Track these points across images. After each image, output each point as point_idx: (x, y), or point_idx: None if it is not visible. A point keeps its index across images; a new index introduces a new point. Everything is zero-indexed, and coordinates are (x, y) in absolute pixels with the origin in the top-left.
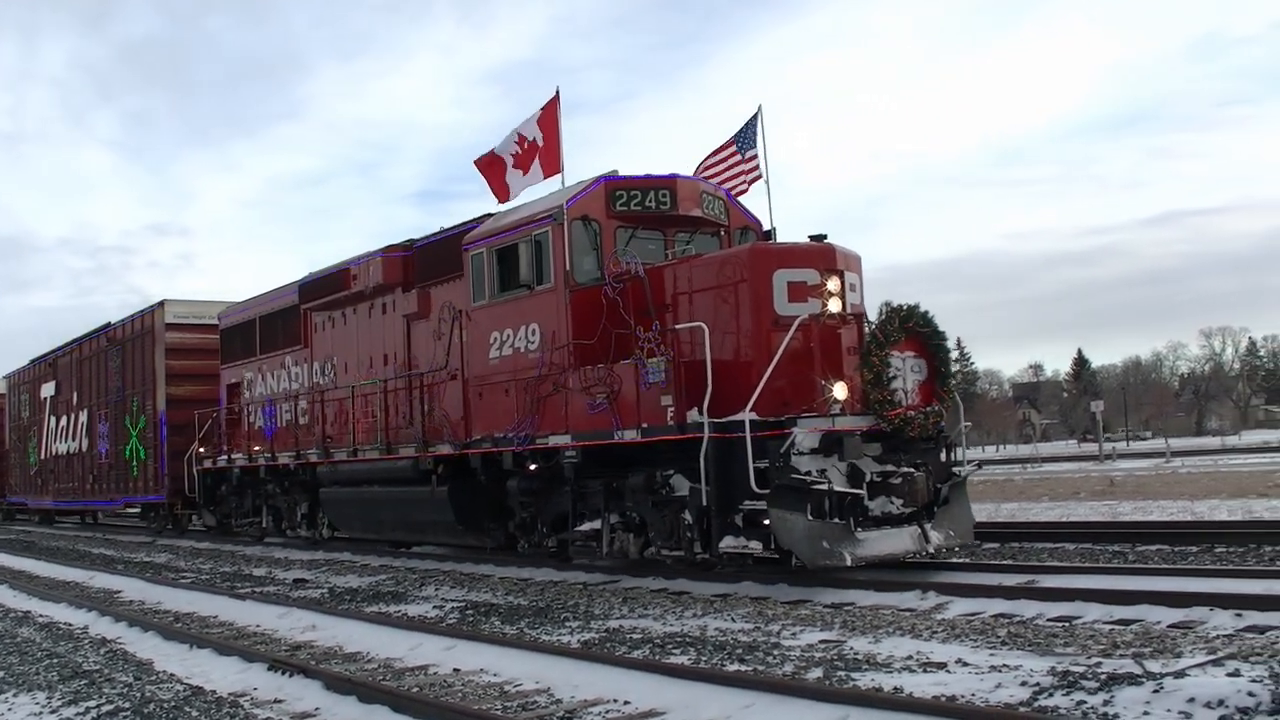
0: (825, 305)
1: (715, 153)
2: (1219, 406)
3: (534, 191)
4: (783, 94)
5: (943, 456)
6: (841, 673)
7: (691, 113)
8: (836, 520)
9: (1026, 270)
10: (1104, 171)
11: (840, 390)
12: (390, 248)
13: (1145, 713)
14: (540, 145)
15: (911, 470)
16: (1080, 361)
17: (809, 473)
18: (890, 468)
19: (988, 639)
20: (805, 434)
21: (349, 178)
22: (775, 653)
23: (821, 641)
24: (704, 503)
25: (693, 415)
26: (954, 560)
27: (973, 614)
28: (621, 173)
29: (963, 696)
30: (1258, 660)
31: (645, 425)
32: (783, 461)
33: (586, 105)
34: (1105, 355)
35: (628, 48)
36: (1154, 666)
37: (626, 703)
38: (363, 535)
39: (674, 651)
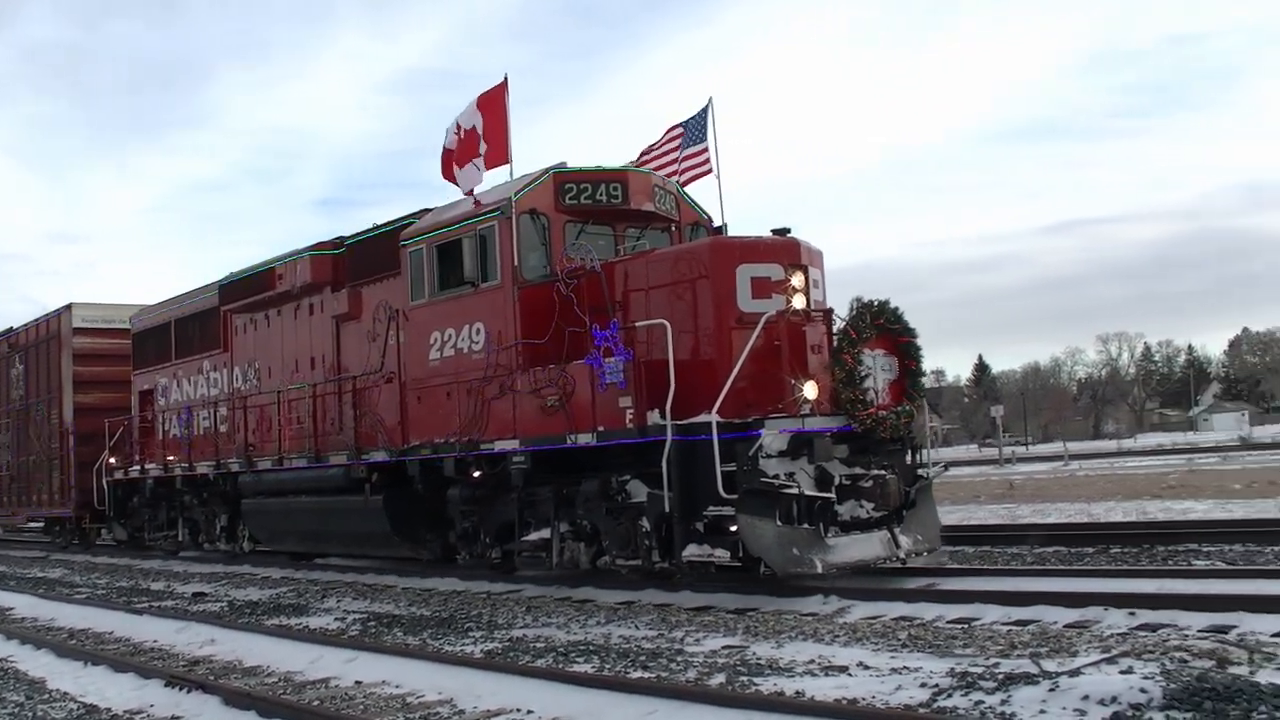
0: (790, 302)
1: (659, 144)
2: (1115, 410)
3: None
4: (689, 100)
5: (908, 458)
6: (744, 678)
7: (604, 113)
8: (806, 526)
9: (927, 277)
10: (1004, 180)
11: (811, 390)
12: (319, 245)
13: (1041, 711)
14: (480, 134)
15: (882, 473)
16: (980, 367)
17: (777, 476)
18: (859, 470)
19: (888, 642)
20: (774, 436)
21: (252, 185)
22: (679, 659)
23: (725, 647)
24: (666, 509)
25: (653, 418)
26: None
27: (874, 617)
28: (570, 164)
29: (863, 699)
30: (1150, 658)
31: (601, 429)
32: (750, 465)
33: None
34: (1005, 361)
35: (534, 55)
36: (1050, 666)
37: (530, 712)
38: (288, 548)
39: (578, 660)
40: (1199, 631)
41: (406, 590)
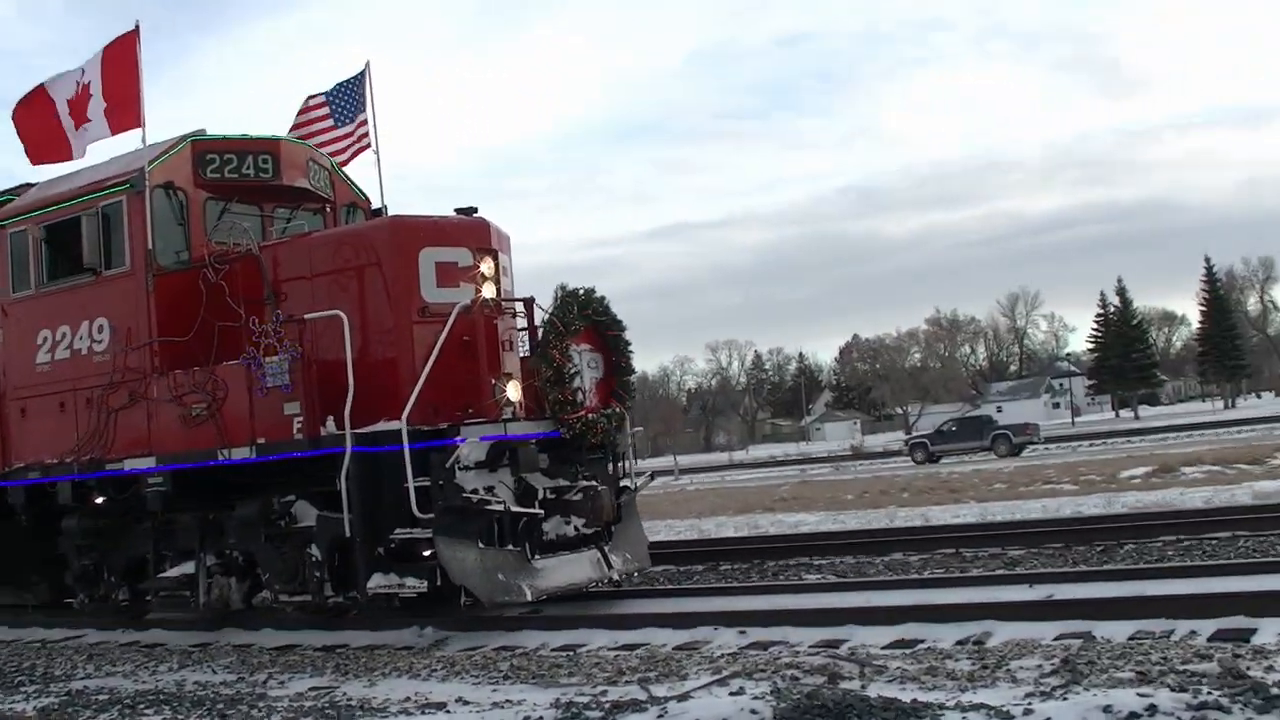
0: (480, 291)
1: (304, 111)
2: (727, 421)
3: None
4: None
5: (610, 468)
6: None
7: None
8: (511, 547)
9: (531, 285)
10: (609, 183)
11: (514, 390)
12: None
13: None
14: (98, 92)
15: (594, 484)
16: None
17: (475, 491)
18: (563, 482)
19: (489, 674)
20: (473, 445)
21: None
22: (261, 705)
23: (312, 689)
24: (346, 533)
25: (328, 427)
26: None
27: (474, 648)
28: (210, 131)
29: None
30: (761, 676)
31: (262, 441)
32: (447, 479)
33: None
34: None
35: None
36: (660, 691)
37: None
38: None
39: (146, 712)
40: (810, 647)
41: None
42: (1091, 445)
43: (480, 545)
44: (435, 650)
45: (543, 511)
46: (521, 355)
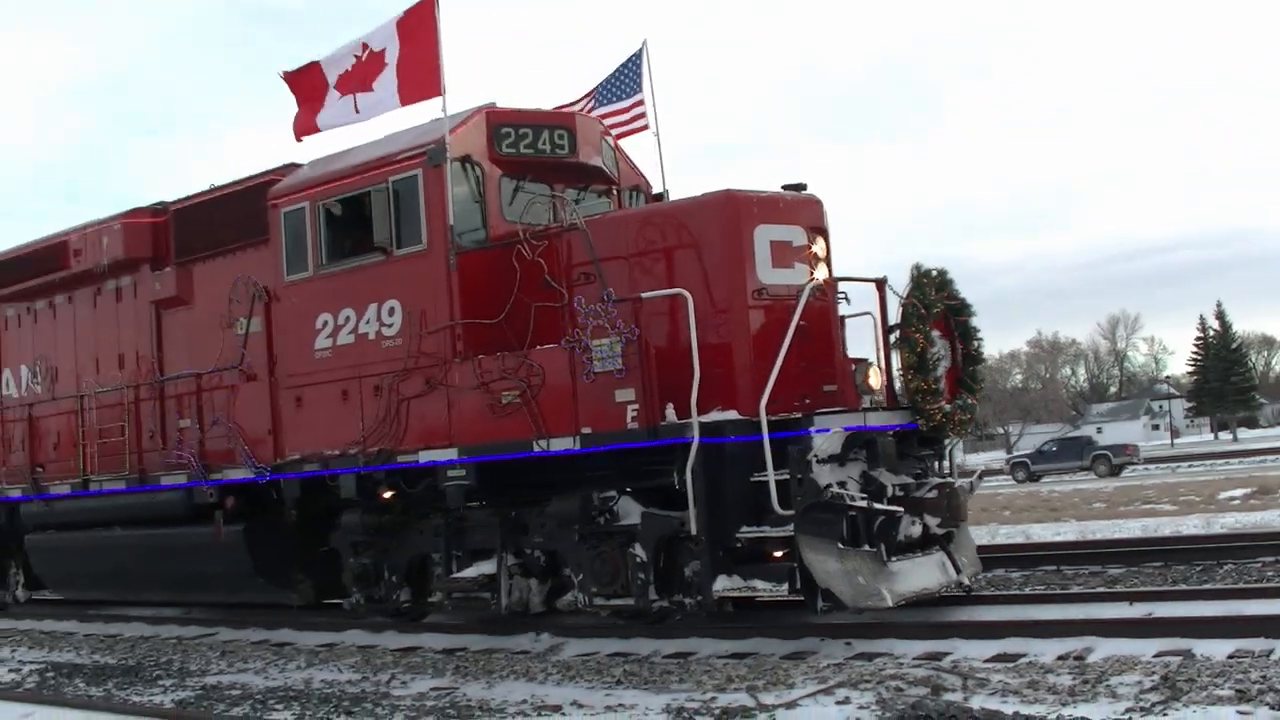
0: (813, 273)
1: (585, 98)
2: None
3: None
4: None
5: (940, 464)
6: None
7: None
8: (868, 548)
9: None
10: None
11: (876, 378)
12: (134, 211)
13: None
14: (392, 62)
15: (950, 480)
16: None
17: (829, 487)
18: (906, 479)
19: (603, 678)
20: (830, 436)
21: None
22: (385, 703)
23: (434, 689)
24: (689, 531)
25: (669, 415)
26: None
27: (588, 654)
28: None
29: None
30: (866, 687)
31: (587, 430)
32: (804, 473)
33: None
34: None
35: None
36: (767, 699)
37: None
38: (92, 595)
39: (276, 707)
40: (914, 659)
41: (89, 637)
42: (1190, 466)
43: (840, 546)
44: (551, 655)
45: (903, 510)
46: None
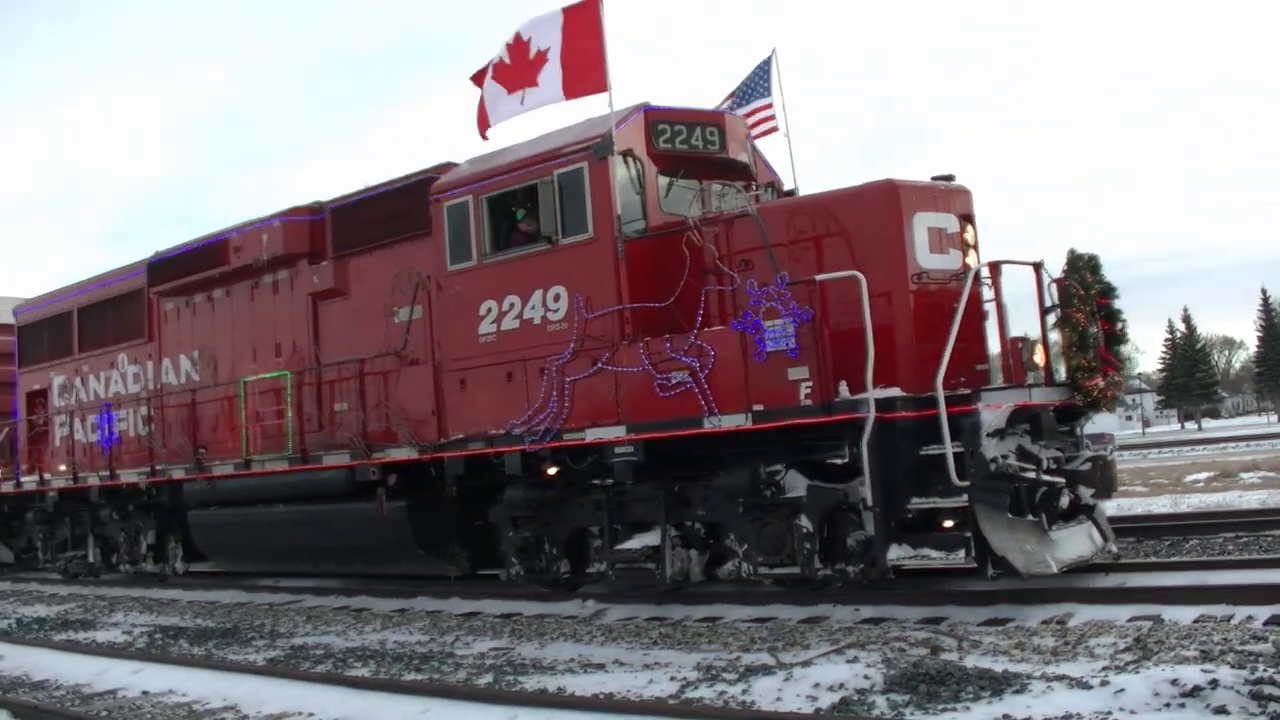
0: (965, 260)
1: (727, 99)
2: None
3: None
4: None
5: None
6: (510, 677)
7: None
8: (1030, 518)
9: None
10: None
11: (1040, 355)
12: (293, 210)
13: (778, 698)
14: (555, 57)
15: (1103, 453)
16: None
17: (996, 459)
18: (1056, 451)
19: (641, 640)
20: (997, 410)
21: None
22: (450, 661)
23: (492, 649)
24: (868, 503)
25: (841, 392)
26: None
27: (628, 619)
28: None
29: (619, 693)
30: (873, 648)
31: (759, 407)
32: (975, 446)
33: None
34: None
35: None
36: (786, 658)
37: (311, 715)
38: (253, 566)
39: (355, 665)
40: (915, 623)
41: (192, 603)
42: (1160, 453)
43: (1009, 516)
44: (596, 620)
45: (1063, 481)
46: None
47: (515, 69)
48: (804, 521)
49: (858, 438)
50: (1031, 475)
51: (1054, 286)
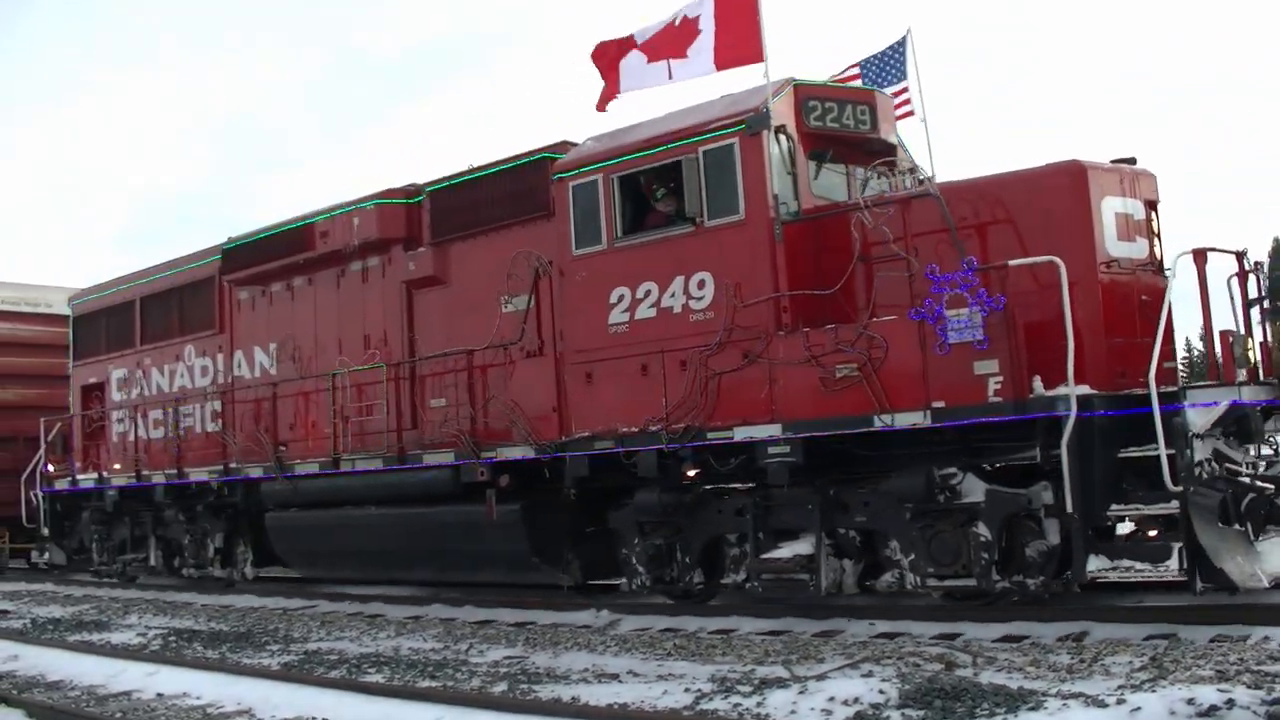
0: (1151, 249)
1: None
2: None
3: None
4: None
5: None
6: (524, 685)
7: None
8: (1237, 527)
9: None
10: None
11: (1254, 350)
12: (387, 192)
13: (792, 712)
14: (707, 28)
15: None
16: None
17: (1202, 463)
18: (1252, 454)
19: (655, 651)
20: (1206, 410)
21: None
22: (464, 669)
23: (506, 658)
24: (1068, 509)
25: (1036, 388)
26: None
27: (642, 629)
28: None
29: (633, 704)
30: (888, 663)
31: (939, 404)
32: (1184, 448)
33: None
34: None
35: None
36: (800, 671)
37: None
38: (338, 574)
39: (369, 670)
40: (930, 639)
41: (206, 607)
42: None
43: (1219, 524)
44: (610, 630)
45: (1274, 488)
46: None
47: (660, 38)
48: (981, 529)
49: (1051, 439)
50: (1246, 480)
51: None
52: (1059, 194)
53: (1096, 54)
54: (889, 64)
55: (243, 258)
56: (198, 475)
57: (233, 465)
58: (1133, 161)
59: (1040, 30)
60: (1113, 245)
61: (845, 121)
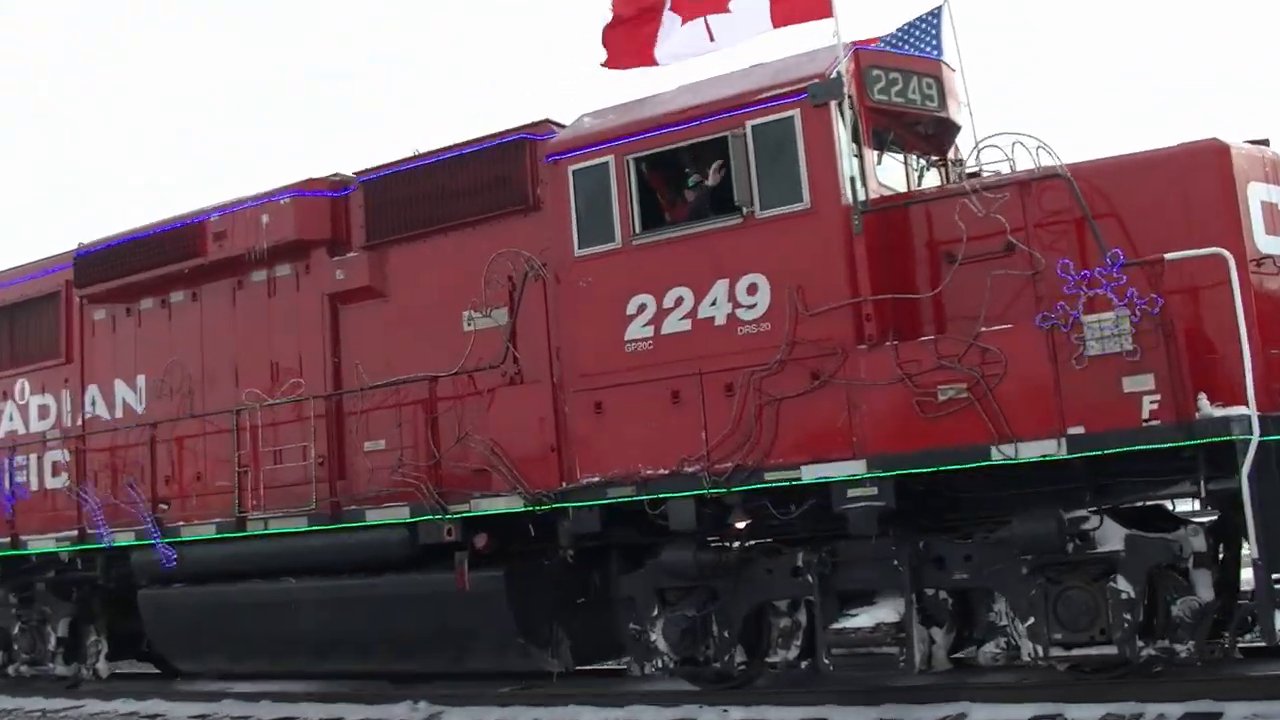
0: None
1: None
2: None
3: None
4: None
5: None
6: None
7: None
8: None
9: None
10: None
11: None
12: (309, 183)
13: None
14: None
15: None
16: None
17: None
18: None
19: None
20: None
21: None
22: None
23: None
24: (1254, 556)
25: (1202, 408)
26: None
27: None
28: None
29: None
30: None
31: (1077, 430)
32: None
33: None
34: None
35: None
36: None
37: None
38: (245, 669)
39: None
40: None
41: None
42: None
43: None
44: None
45: None
46: None
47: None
48: (1121, 584)
49: (1220, 469)
50: None
51: None
52: (1199, 177)
53: (1096, 54)
54: (920, 37)
55: (103, 267)
56: (40, 544)
57: (96, 530)
58: (1266, 143)
59: (1040, 30)
60: (1261, 240)
61: (911, 95)
